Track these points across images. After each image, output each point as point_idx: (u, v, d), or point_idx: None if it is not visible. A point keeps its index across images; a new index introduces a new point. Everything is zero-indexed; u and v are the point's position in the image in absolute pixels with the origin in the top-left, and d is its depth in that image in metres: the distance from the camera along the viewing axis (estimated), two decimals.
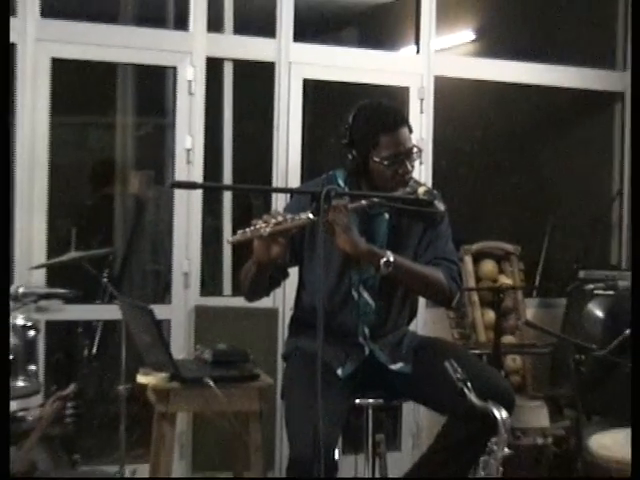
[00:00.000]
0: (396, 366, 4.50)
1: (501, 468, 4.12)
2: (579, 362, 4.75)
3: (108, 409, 7.28)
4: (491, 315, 6.94)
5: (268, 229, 4.02)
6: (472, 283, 7.19)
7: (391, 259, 4.19)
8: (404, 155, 4.41)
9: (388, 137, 4.38)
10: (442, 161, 7.57)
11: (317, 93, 7.38)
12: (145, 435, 5.81)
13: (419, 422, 7.20)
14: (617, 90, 8.20)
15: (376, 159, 4.38)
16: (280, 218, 4.07)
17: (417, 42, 7.56)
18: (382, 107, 4.56)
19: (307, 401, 3.89)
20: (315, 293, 4.26)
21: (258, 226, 4.04)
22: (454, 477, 4.53)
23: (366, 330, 4.47)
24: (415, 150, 4.46)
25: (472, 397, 4.03)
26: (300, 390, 4.26)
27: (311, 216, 3.99)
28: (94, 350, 7.04)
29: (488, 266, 7.38)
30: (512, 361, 7.16)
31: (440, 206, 4.41)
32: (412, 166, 4.47)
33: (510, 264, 7.46)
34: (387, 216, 4.49)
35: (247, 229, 4.07)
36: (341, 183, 4.47)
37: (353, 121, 4.47)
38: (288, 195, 5.11)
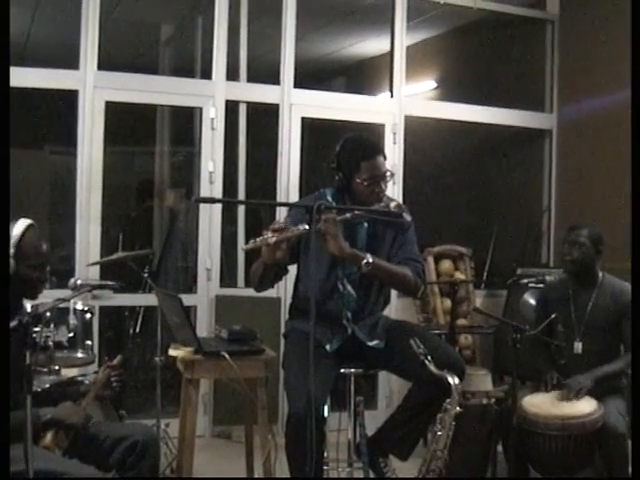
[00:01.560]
0: (372, 343, 4.48)
1: (453, 423, 4.14)
2: (515, 340, 4.74)
3: (147, 375, 7.29)
4: (448, 303, 6.93)
5: (274, 238, 4.03)
6: (433, 277, 7.18)
7: (370, 260, 4.19)
8: (380, 177, 4.40)
9: (367, 163, 4.37)
10: (410, 182, 7.55)
11: (313, 128, 7.38)
12: (176, 396, 5.82)
13: (391, 387, 7.19)
14: (546, 128, 8.20)
15: (358, 180, 4.37)
16: (283, 226, 4.09)
17: (391, 89, 7.56)
18: (363, 139, 4.56)
19: (302, 370, 3.89)
20: (309, 285, 4.26)
21: (265, 236, 4.05)
22: (417, 430, 4.56)
23: (349, 314, 4.46)
24: (388, 174, 4.46)
25: (431, 367, 4.05)
26: (297, 361, 4.25)
27: (307, 227, 4.00)
28: (137, 329, 7.05)
29: (446, 264, 7.38)
30: (464, 339, 7.17)
31: (407, 217, 4.42)
32: (386, 186, 4.47)
33: (463, 263, 7.46)
34: (366, 225, 4.48)
35: (257, 239, 4.07)
36: (330, 199, 4.45)
37: (340, 150, 4.47)
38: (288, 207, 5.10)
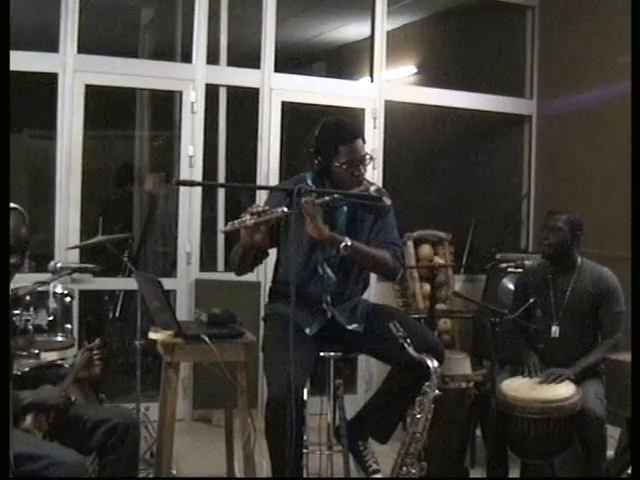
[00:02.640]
0: (352, 326, 4.50)
1: (432, 406, 4.15)
2: (494, 324, 4.78)
3: (127, 359, 7.29)
4: (427, 287, 6.95)
5: (252, 221, 4.04)
6: (413, 262, 7.19)
7: (349, 243, 4.19)
8: (359, 161, 4.41)
9: (346, 147, 4.38)
10: (390, 166, 7.57)
11: (293, 113, 7.37)
12: (156, 380, 5.81)
13: (371, 371, 7.22)
14: (526, 114, 8.22)
15: (337, 164, 4.38)
16: (261, 209, 4.09)
17: (371, 74, 7.57)
18: (342, 123, 4.57)
19: (281, 354, 3.90)
20: (288, 269, 4.26)
21: (244, 218, 4.05)
22: (396, 413, 4.58)
23: (328, 298, 4.47)
24: (368, 157, 4.47)
25: (410, 350, 4.06)
26: (276, 345, 4.27)
27: (285, 210, 4.01)
28: (117, 313, 7.04)
29: (425, 249, 7.39)
30: (444, 323, 7.18)
31: (387, 201, 4.42)
32: (365, 169, 4.48)
33: (443, 248, 7.47)
34: (345, 209, 4.49)
35: (236, 221, 4.07)
36: (309, 182, 4.45)
37: (319, 134, 4.47)
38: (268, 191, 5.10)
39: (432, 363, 4.08)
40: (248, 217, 4.05)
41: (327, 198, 4.16)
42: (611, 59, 7.11)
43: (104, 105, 7.23)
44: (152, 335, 4.71)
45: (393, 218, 4.59)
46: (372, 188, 4.36)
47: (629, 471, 4.87)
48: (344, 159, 4.38)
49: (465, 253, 7.92)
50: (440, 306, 7.06)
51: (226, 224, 4.19)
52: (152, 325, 4.89)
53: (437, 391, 4.14)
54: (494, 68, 8.40)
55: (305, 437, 4.37)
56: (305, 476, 4.44)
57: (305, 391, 4.17)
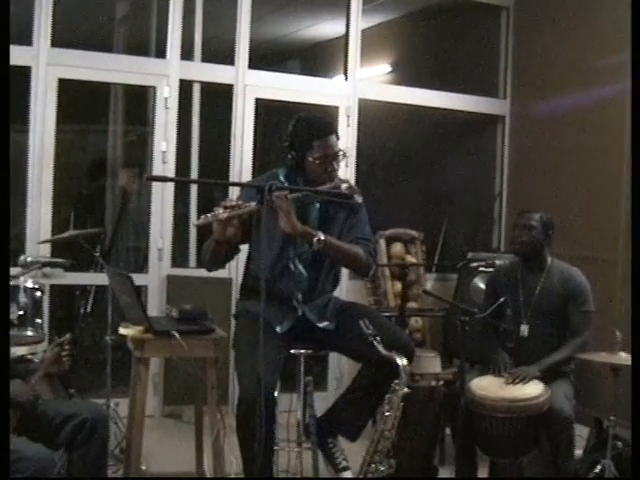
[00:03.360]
0: (322, 324, 4.51)
1: (401, 403, 4.17)
2: (464, 323, 4.79)
3: (98, 355, 7.26)
4: (399, 286, 6.95)
5: (225, 214, 4.05)
6: (385, 260, 7.20)
7: (322, 238, 4.21)
8: (332, 157, 4.43)
9: (320, 142, 4.40)
10: (364, 164, 7.58)
11: (266, 110, 7.37)
12: (126, 376, 5.79)
13: (342, 368, 7.21)
14: (499, 114, 8.25)
15: (310, 159, 4.40)
16: (234, 203, 4.10)
17: (345, 72, 7.58)
18: (316, 118, 4.60)
19: (252, 352, 3.90)
20: (260, 264, 4.26)
21: (217, 212, 4.06)
22: (366, 411, 4.58)
23: (299, 295, 4.47)
24: (341, 153, 4.49)
25: (380, 348, 4.08)
26: (247, 344, 4.26)
27: (257, 205, 4.03)
28: (88, 308, 7.00)
29: (397, 247, 7.40)
30: (415, 322, 7.20)
31: (358, 198, 4.44)
32: (338, 165, 4.50)
33: (415, 246, 7.49)
34: (318, 205, 4.49)
35: (208, 215, 4.09)
36: (282, 178, 4.47)
37: (293, 129, 4.48)
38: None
39: (401, 361, 4.10)
40: (221, 211, 4.07)
41: (298, 194, 4.18)
42: (589, 61, 7.14)
43: (77, 99, 7.19)
44: (122, 330, 4.70)
45: (365, 215, 4.60)
46: (344, 185, 4.38)
47: (597, 470, 4.90)
48: (318, 154, 4.39)
49: (437, 252, 7.93)
50: (411, 304, 7.07)
51: (199, 219, 4.19)
52: (123, 320, 4.88)
53: (406, 389, 4.16)
54: (468, 68, 8.42)
55: (275, 434, 4.38)
56: (274, 473, 4.44)
57: (276, 390, 4.18)
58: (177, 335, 4.45)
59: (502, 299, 5.13)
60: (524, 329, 5.11)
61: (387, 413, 4.16)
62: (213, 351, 4.62)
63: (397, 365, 4.09)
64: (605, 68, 6.98)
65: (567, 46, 7.42)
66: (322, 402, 4.94)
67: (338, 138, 4.53)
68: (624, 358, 4.63)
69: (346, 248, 4.43)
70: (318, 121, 4.56)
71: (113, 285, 5.15)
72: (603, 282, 6.17)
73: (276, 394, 4.21)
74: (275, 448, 4.40)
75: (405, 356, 4.14)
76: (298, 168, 4.48)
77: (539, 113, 7.81)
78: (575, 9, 7.38)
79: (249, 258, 4.64)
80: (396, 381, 4.14)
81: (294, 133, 4.48)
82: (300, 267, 4.48)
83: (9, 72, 3.66)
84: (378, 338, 4.10)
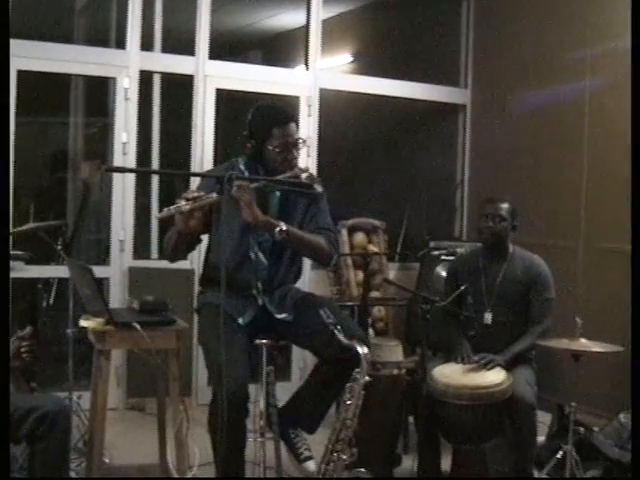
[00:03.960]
0: (281, 315, 4.50)
1: (362, 392, 4.17)
2: (425, 311, 4.80)
3: (61, 348, 7.20)
4: (361, 275, 6.94)
5: (188, 206, 4.03)
6: (347, 250, 7.20)
7: (284, 228, 4.20)
8: (292, 144, 4.43)
9: (279, 130, 4.40)
10: (325, 155, 7.57)
11: (227, 100, 7.35)
12: (90, 369, 5.76)
13: (305, 359, 7.20)
14: (460, 103, 8.29)
15: (270, 147, 4.39)
16: (196, 194, 4.08)
17: (306, 62, 7.57)
18: (275, 106, 4.63)
19: (220, 347, 3.87)
20: (220, 254, 4.24)
21: (180, 204, 4.04)
22: (324, 405, 4.59)
23: (259, 285, 4.47)
24: (300, 141, 4.49)
25: (340, 337, 4.08)
26: (213, 339, 4.21)
27: (218, 195, 4.02)
28: (51, 301, 6.96)
29: (359, 237, 7.41)
30: (377, 311, 7.21)
31: (319, 188, 4.44)
32: (298, 153, 4.50)
33: (377, 236, 7.50)
34: (278, 194, 4.49)
35: (171, 207, 4.07)
36: (242, 167, 4.47)
37: (252, 117, 4.49)
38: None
39: (362, 349, 4.10)
40: (183, 203, 4.05)
41: (258, 184, 4.18)
42: (550, 51, 7.18)
43: (37, 91, 7.13)
44: (83, 323, 4.66)
45: (326, 204, 4.60)
46: (304, 175, 4.36)
47: (558, 456, 4.93)
48: (277, 142, 4.39)
49: (399, 241, 7.95)
50: (374, 294, 7.08)
51: (160, 211, 4.17)
52: (85, 313, 4.85)
53: (367, 377, 4.16)
54: (429, 57, 8.44)
55: None
56: None
57: (248, 383, 4.18)
58: (138, 327, 4.42)
59: (463, 287, 5.14)
60: (487, 317, 5.13)
61: (348, 402, 4.16)
62: (174, 342, 4.59)
63: (357, 353, 4.09)
64: (566, 60, 7.01)
65: (528, 36, 7.45)
66: (286, 392, 4.92)
67: (297, 126, 4.54)
68: (584, 344, 4.65)
69: (308, 238, 4.43)
70: (277, 109, 4.57)
71: (74, 277, 5.11)
72: (564, 270, 6.22)
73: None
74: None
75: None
76: (258, 157, 4.47)
77: (500, 102, 7.83)
78: (537, 0, 7.41)
79: (209, 248, 4.63)
80: (357, 370, 4.14)
81: (253, 122, 4.48)
82: (261, 256, 4.48)
83: (9, 72, 3.63)
84: (339, 327, 4.10)
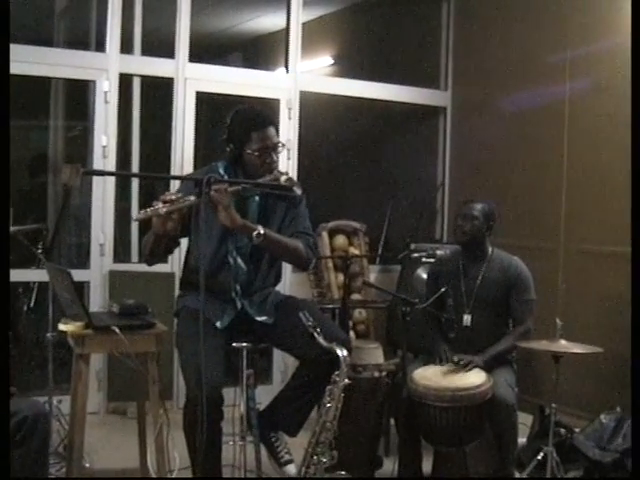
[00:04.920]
0: (261, 318, 4.51)
1: (342, 394, 4.16)
2: (405, 313, 4.80)
3: (41, 352, 7.18)
4: (342, 278, 6.96)
5: (165, 209, 4.02)
6: (327, 252, 7.21)
7: (262, 232, 4.20)
8: (271, 148, 4.42)
9: (258, 133, 4.39)
10: (305, 157, 7.56)
11: (208, 103, 7.33)
12: (70, 373, 5.74)
13: (286, 361, 7.20)
14: (441, 105, 8.30)
15: (249, 151, 4.38)
16: (174, 197, 4.07)
17: (287, 65, 7.55)
18: (254, 110, 4.59)
19: (196, 351, 3.85)
20: (199, 258, 4.23)
21: (157, 206, 4.03)
22: (305, 408, 4.56)
23: (238, 288, 4.46)
24: (280, 145, 4.49)
25: (320, 340, 4.08)
26: (190, 342, 4.22)
27: (196, 198, 4.01)
28: (31, 305, 6.94)
29: (340, 240, 7.42)
30: (358, 313, 7.23)
31: (298, 191, 4.42)
32: (277, 157, 4.49)
33: (358, 238, 7.51)
34: (257, 198, 4.49)
35: (148, 209, 4.07)
36: (221, 171, 4.46)
37: (231, 121, 4.47)
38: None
39: (342, 352, 4.11)
40: (161, 205, 4.05)
41: (239, 187, 4.17)
42: (530, 53, 7.20)
43: (18, 95, 7.10)
44: (62, 327, 4.64)
45: (305, 208, 4.61)
46: (283, 178, 4.35)
47: (539, 457, 4.94)
48: (256, 146, 4.38)
49: (380, 243, 7.95)
50: (355, 296, 7.08)
51: (138, 214, 4.17)
52: (65, 317, 4.83)
53: (347, 380, 4.16)
54: (409, 59, 8.45)
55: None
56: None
57: (222, 388, 4.18)
58: (117, 330, 4.40)
59: (443, 289, 5.14)
60: (466, 319, 5.14)
61: (328, 404, 4.16)
62: (154, 346, 4.57)
63: (337, 356, 4.09)
64: (546, 62, 7.03)
65: (508, 39, 7.47)
66: (267, 395, 4.92)
67: (277, 130, 4.53)
68: (565, 346, 4.67)
69: (286, 242, 4.42)
70: (256, 113, 4.54)
71: (53, 281, 5.10)
72: (544, 271, 6.22)
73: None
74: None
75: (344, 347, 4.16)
76: (237, 161, 4.47)
77: (480, 104, 7.84)
78: (517, 2, 7.42)
79: (188, 252, 4.63)
80: (337, 372, 4.14)
81: (232, 125, 4.47)
82: (239, 260, 4.47)
83: (9, 72, 3.61)
84: (318, 330, 4.10)
